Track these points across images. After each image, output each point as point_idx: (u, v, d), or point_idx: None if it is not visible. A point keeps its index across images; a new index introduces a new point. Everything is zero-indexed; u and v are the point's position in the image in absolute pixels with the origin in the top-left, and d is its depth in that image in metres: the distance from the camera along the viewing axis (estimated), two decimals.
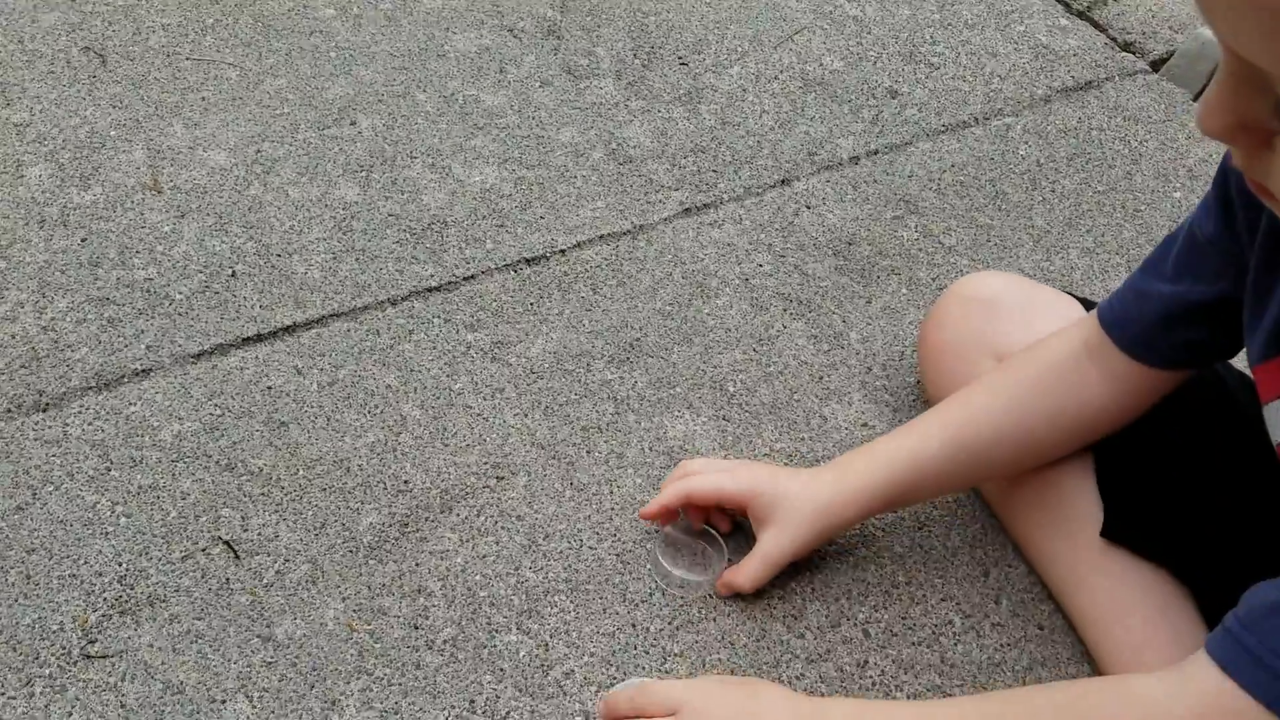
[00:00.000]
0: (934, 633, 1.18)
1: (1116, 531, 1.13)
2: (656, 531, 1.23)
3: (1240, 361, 1.06)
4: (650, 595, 1.17)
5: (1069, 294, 1.27)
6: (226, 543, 1.16)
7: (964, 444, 1.15)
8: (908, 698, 1.12)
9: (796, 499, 1.15)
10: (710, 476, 1.19)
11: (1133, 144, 1.81)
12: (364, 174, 1.59)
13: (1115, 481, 1.15)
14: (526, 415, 1.33)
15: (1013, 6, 2.08)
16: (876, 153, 1.75)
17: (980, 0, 2.09)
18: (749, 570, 1.15)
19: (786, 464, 1.31)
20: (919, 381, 1.41)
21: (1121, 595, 1.12)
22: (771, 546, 1.15)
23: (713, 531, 1.22)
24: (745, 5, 2.00)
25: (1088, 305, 1.23)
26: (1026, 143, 1.79)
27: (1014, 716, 0.91)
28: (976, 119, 1.83)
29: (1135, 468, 1.14)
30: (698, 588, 1.18)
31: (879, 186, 1.68)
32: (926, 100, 1.85)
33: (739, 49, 1.90)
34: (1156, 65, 1.99)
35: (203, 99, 1.67)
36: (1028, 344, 1.17)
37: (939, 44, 1.97)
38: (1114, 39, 2.04)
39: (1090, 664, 1.17)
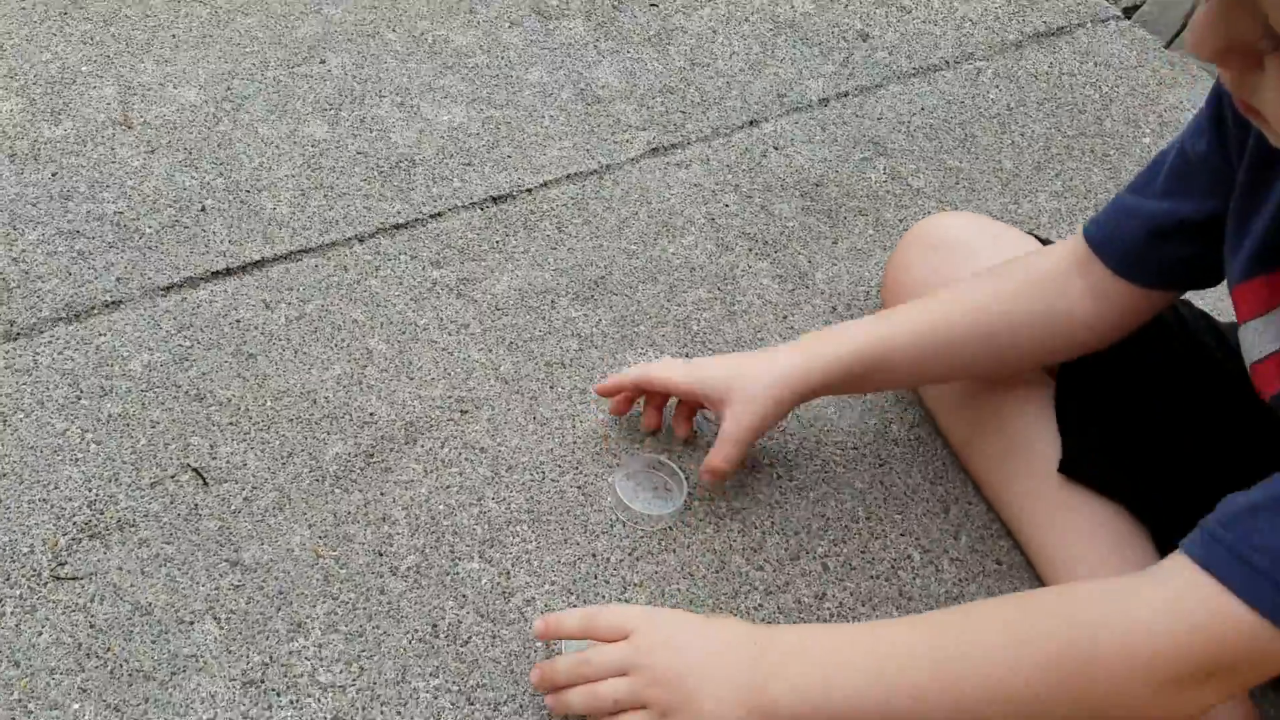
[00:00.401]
0: (892, 567, 1.22)
1: (1074, 468, 1.16)
2: (616, 466, 1.26)
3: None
4: (611, 527, 1.21)
5: (1033, 235, 1.30)
6: (195, 470, 1.20)
7: (934, 337, 1.16)
8: None
9: (752, 373, 1.17)
10: (665, 364, 1.23)
11: (1103, 89, 1.84)
12: (333, 112, 1.62)
13: (1074, 418, 1.18)
14: (491, 350, 1.36)
15: None
16: (846, 95, 1.77)
17: None
18: (717, 452, 1.17)
19: None
20: None
21: (1079, 532, 1.16)
22: (731, 425, 1.16)
23: (671, 465, 1.26)
24: None
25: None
26: (997, 86, 1.82)
27: (959, 630, 0.91)
28: (947, 62, 1.86)
29: (1094, 404, 1.17)
30: (658, 521, 1.22)
31: (848, 129, 1.71)
32: (897, 43, 1.88)
33: None
34: (1129, 12, 2.02)
35: (173, 36, 1.69)
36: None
37: None
38: None
39: None
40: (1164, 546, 1.16)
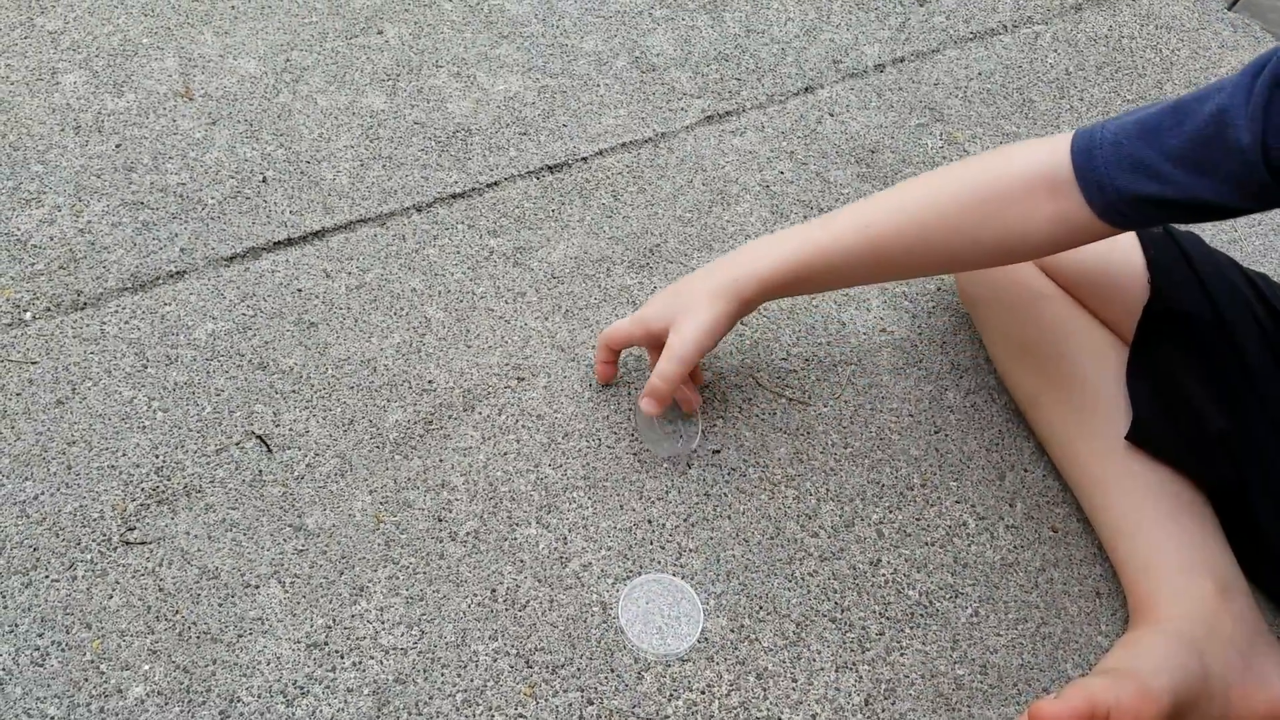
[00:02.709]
0: (947, 533, 1.22)
1: (1141, 436, 1.16)
2: (632, 407, 1.28)
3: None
4: (666, 493, 1.22)
5: None
6: (259, 437, 1.22)
7: (880, 247, 1.13)
8: (919, 595, 1.17)
9: (691, 292, 1.19)
10: (616, 323, 1.26)
11: (1164, 52, 1.82)
12: (390, 82, 1.63)
13: (1145, 385, 1.17)
14: (547, 319, 1.37)
15: None
16: (902, 60, 1.76)
17: None
18: (658, 371, 1.17)
19: (803, 367, 1.35)
20: (938, 288, 1.45)
21: (1140, 498, 1.16)
22: (675, 341, 1.16)
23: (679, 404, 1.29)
24: None
25: None
26: (1055, 50, 1.80)
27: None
28: (1005, 26, 1.84)
29: (1166, 372, 1.16)
30: (677, 459, 1.25)
31: (904, 94, 1.70)
32: (954, 7, 1.86)
33: None
34: None
35: (232, 7, 1.70)
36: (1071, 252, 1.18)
37: None
38: None
39: (1105, 564, 1.21)
40: (1224, 514, 1.16)
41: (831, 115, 1.66)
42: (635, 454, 1.25)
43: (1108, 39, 1.83)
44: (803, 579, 1.16)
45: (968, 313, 1.40)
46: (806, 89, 1.70)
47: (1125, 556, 1.16)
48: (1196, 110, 0.94)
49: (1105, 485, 1.19)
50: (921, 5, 1.85)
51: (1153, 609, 1.11)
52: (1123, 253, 1.20)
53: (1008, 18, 1.85)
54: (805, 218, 1.51)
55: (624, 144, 1.59)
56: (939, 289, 1.44)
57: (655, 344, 1.21)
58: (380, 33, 1.70)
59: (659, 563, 1.16)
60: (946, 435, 1.31)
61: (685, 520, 1.20)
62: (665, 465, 1.24)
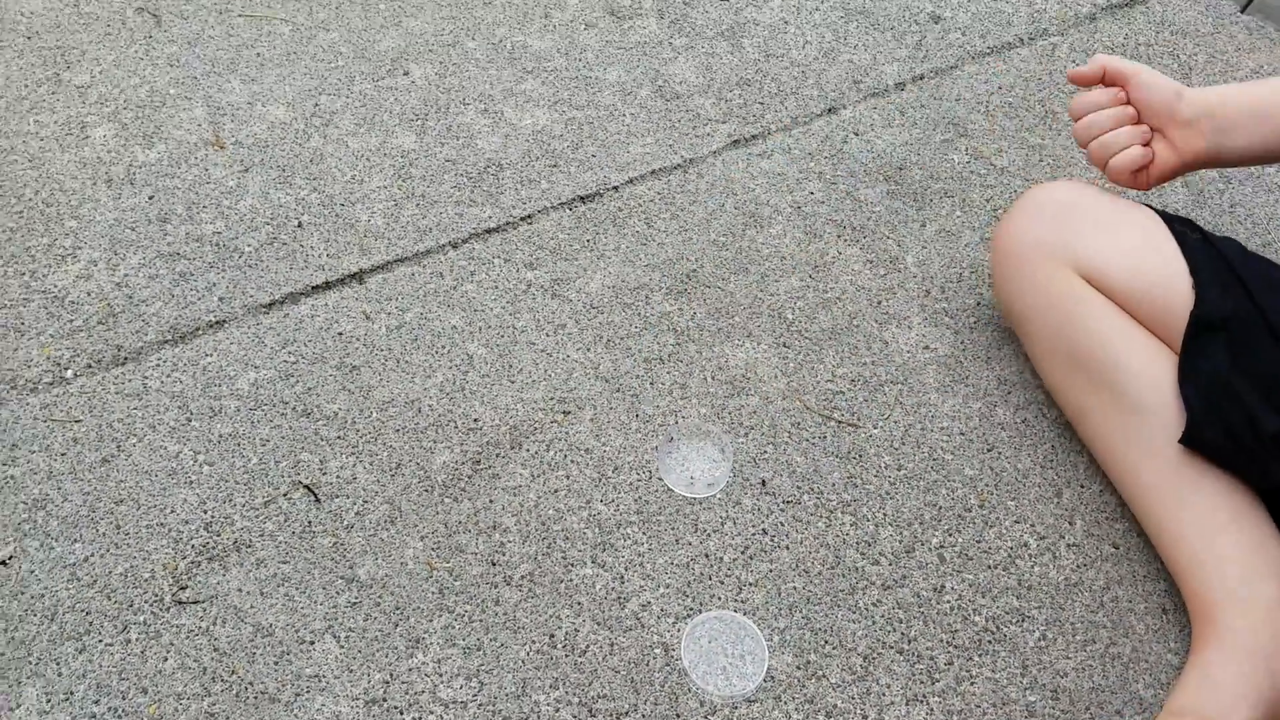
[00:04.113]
0: (1009, 555, 1.13)
1: (1196, 440, 1.07)
2: (655, 448, 1.20)
3: None
4: (722, 525, 1.13)
5: (1145, 205, 1.21)
6: (307, 487, 1.13)
7: None
8: (985, 621, 1.08)
9: (1191, 97, 1.15)
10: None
11: (1182, 58, 1.74)
12: (419, 122, 1.55)
13: (1197, 390, 1.09)
14: (589, 349, 1.29)
15: None
16: (922, 78, 1.68)
17: None
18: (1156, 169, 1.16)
19: (850, 388, 1.27)
20: (978, 303, 1.36)
21: (1196, 504, 1.08)
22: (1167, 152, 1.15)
23: (718, 432, 1.21)
24: None
25: (1166, 216, 1.17)
26: (1074, 61, 1.72)
27: None
28: (1021, 39, 1.76)
29: (1218, 375, 1.08)
30: (707, 489, 1.17)
31: (926, 111, 1.62)
32: (969, 24, 1.78)
33: None
34: None
35: (258, 55, 1.63)
36: (1110, 257, 1.14)
37: None
38: None
39: (1167, 579, 1.12)
40: None
41: (856, 134, 1.58)
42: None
43: (1124, 47, 1.74)
44: (867, 609, 1.08)
45: (1011, 329, 1.31)
46: (829, 110, 1.62)
47: (1186, 564, 1.08)
48: None
49: (1161, 493, 1.10)
50: (936, 23, 1.77)
51: (1217, 619, 1.03)
52: (1165, 260, 1.13)
53: (1023, 31, 1.77)
54: (839, 237, 1.43)
55: (653, 171, 1.51)
56: (979, 304, 1.36)
57: (1140, 101, 1.17)
58: (406, 74, 1.62)
59: (719, 599, 1.08)
60: (1000, 453, 1.22)
61: (743, 553, 1.11)
62: (719, 497, 1.15)
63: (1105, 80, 1.19)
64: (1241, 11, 1.83)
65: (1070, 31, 1.77)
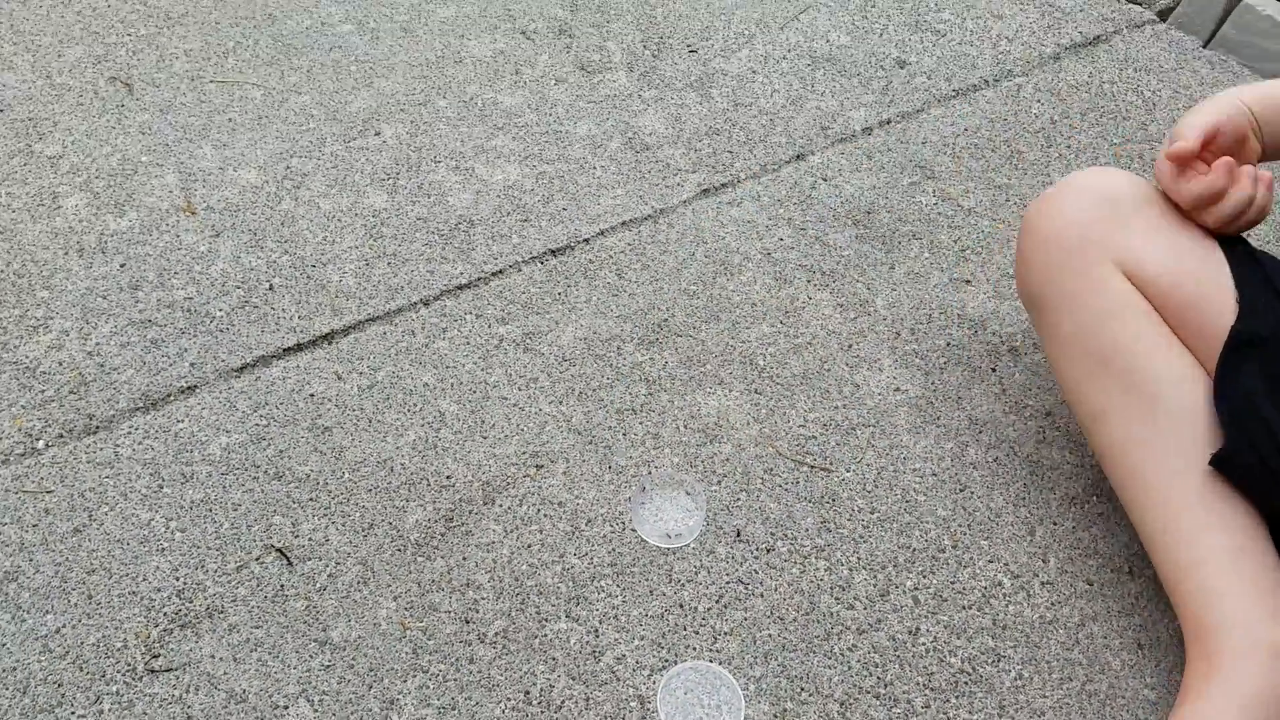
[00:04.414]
0: (984, 595, 1.12)
1: (1226, 461, 1.03)
2: (629, 498, 1.19)
3: None
4: (696, 574, 1.12)
5: None
6: (279, 550, 1.12)
7: None
8: (961, 662, 1.07)
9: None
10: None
11: (1145, 94, 1.74)
12: (391, 181, 1.55)
13: (1229, 409, 1.04)
14: (561, 402, 1.28)
15: None
16: (889, 122, 1.69)
17: None
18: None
19: (822, 433, 1.26)
20: (948, 344, 1.36)
21: (1214, 529, 1.03)
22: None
23: (691, 481, 1.20)
24: None
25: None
26: (1039, 101, 1.72)
27: None
28: (986, 81, 1.76)
29: (1249, 396, 1.03)
30: (678, 539, 1.16)
31: (893, 155, 1.62)
32: (935, 67, 1.79)
33: (746, 32, 1.85)
34: (1164, 14, 1.92)
35: (229, 120, 1.63)
36: (1156, 258, 1.09)
37: (944, 10, 1.91)
38: None
39: (1144, 613, 1.11)
40: None
41: (825, 180, 1.58)
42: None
43: (1089, 85, 1.75)
44: (842, 654, 1.07)
45: (1029, 315, 1.22)
46: (798, 156, 1.62)
47: (1192, 589, 1.04)
48: None
49: (1176, 510, 1.05)
50: (902, 68, 1.78)
51: (1224, 657, 0.99)
52: (1211, 269, 1.08)
53: (988, 73, 1.78)
54: (809, 282, 1.43)
55: (624, 222, 1.51)
56: (948, 345, 1.36)
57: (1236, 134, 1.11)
58: (378, 134, 1.63)
59: (694, 649, 1.06)
60: (972, 493, 1.21)
61: (718, 601, 1.10)
62: (693, 546, 1.15)
63: (1204, 148, 1.10)
64: (1204, 47, 1.84)
65: (1034, 72, 1.78)
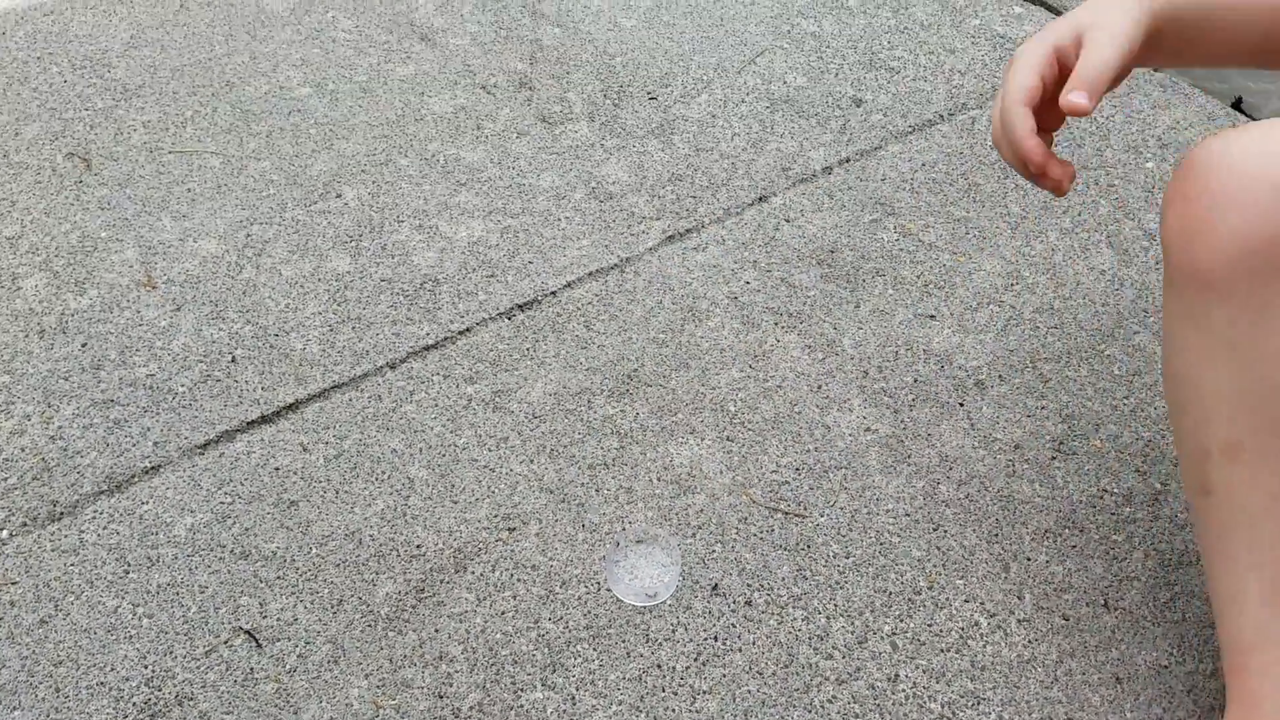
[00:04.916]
0: (961, 636, 1.10)
1: None
2: (603, 559, 1.16)
3: None
4: (673, 632, 1.10)
5: None
6: (248, 632, 1.09)
7: None
8: (941, 707, 1.04)
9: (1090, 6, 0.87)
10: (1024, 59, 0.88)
11: (1099, 120, 1.73)
12: (354, 243, 1.52)
13: None
14: (532, 461, 1.25)
15: (966, 2, 2.00)
16: (848, 160, 1.67)
17: (933, 0, 2.01)
18: (1089, 63, 0.84)
19: (795, 477, 1.24)
20: (915, 380, 1.34)
21: None
22: (1094, 54, 0.84)
23: (665, 536, 1.18)
24: (707, 36, 1.93)
25: None
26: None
27: None
28: (942, 116, 1.75)
29: None
30: (654, 598, 1.13)
31: (854, 193, 1.61)
32: (891, 104, 1.77)
33: (704, 78, 1.83)
34: None
35: (189, 190, 1.60)
36: None
37: (897, 48, 1.90)
38: None
39: (1120, 647, 1.09)
40: None
41: (788, 221, 1.56)
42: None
43: None
44: (822, 706, 1.04)
45: (1167, 307, 0.93)
46: (760, 199, 1.60)
47: (1263, 665, 0.91)
48: None
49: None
50: (858, 106, 1.77)
51: None
52: None
53: (942, 107, 1.77)
54: (776, 324, 1.40)
55: (591, 273, 1.48)
56: (916, 381, 1.34)
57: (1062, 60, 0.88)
58: (339, 196, 1.60)
59: (673, 710, 1.03)
60: (946, 531, 1.19)
61: (696, 659, 1.07)
62: (669, 602, 1.12)
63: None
64: (1154, 70, 1.83)
65: (987, 104, 1.77)
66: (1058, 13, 1.96)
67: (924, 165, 1.65)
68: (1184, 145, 1.20)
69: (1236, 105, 1.73)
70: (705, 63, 1.87)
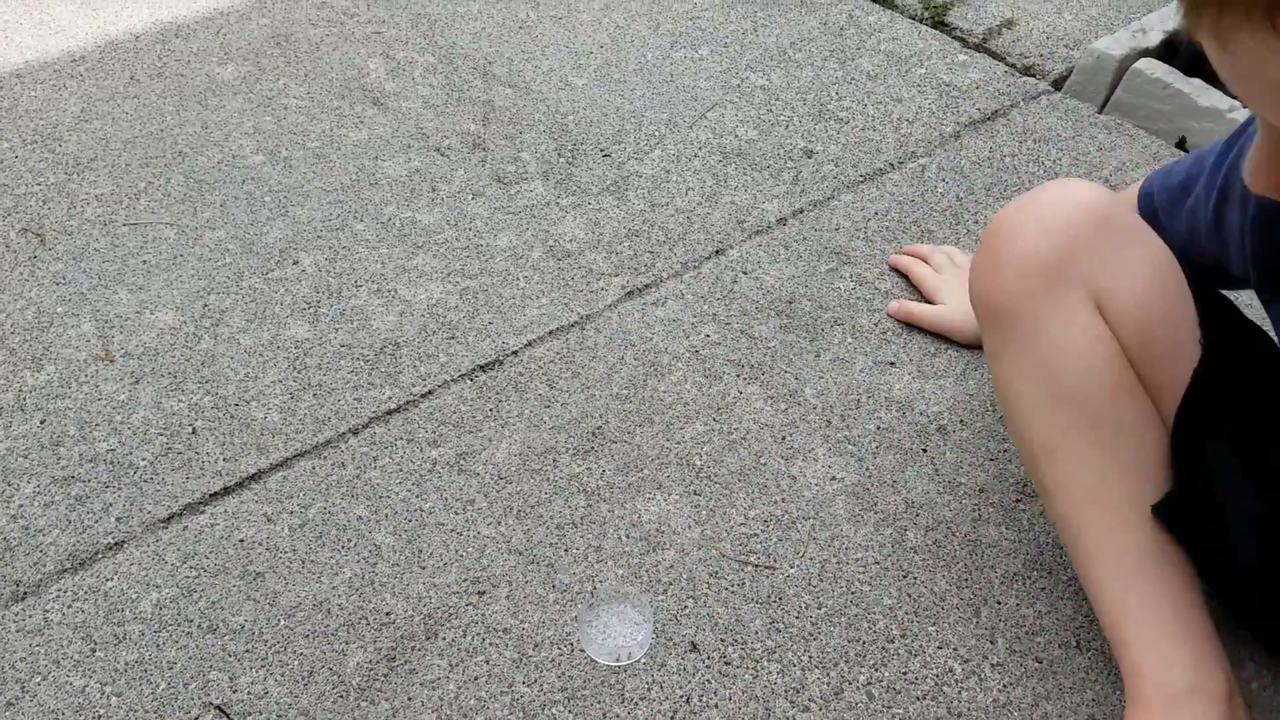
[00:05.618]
0: (936, 684, 1.10)
1: (1169, 513, 1.00)
2: (575, 620, 1.15)
3: None
4: (649, 690, 1.09)
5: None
6: (218, 708, 1.07)
7: None
8: None
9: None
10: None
11: (1046, 164, 1.76)
12: (312, 310, 1.52)
13: (1186, 457, 1.02)
14: (500, 523, 1.25)
15: (911, 51, 2.04)
16: (802, 211, 1.68)
17: (878, 51, 2.04)
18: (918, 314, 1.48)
19: (764, 529, 1.24)
20: (878, 427, 1.35)
21: (1155, 578, 1.02)
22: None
23: (637, 594, 1.17)
24: (657, 92, 1.95)
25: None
26: (944, 180, 1.73)
27: None
28: (891, 164, 1.77)
29: (1208, 445, 1.00)
30: (629, 657, 1.12)
31: (809, 243, 1.62)
32: (841, 155, 1.80)
33: (656, 134, 1.85)
34: (1058, 84, 1.95)
35: (144, 262, 1.59)
36: (1127, 294, 1.02)
37: (845, 99, 1.92)
38: (1013, 65, 2.00)
39: (1095, 688, 1.09)
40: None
41: (745, 273, 1.57)
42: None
43: (990, 160, 1.77)
44: None
45: (984, 347, 1.15)
46: (717, 251, 1.61)
47: (1129, 637, 1.02)
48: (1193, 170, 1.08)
49: (1119, 559, 1.03)
50: (809, 157, 1.79)
51: (1163, 705, 0.99)
52: (1183, 309, 1.04)
53: (892, 156, 1.79)
54: (739, 376, 1.41)
55: (551, 332, 1.49)
56: (879, 428, 1.35)
57: None
58: (296, 263, 1.60)
59: None
60: (915, 578, 1.19)
61: (672, 718, 1.07)
62: (644, 660, 1.11)
63: None
64: (1099, 112, 1.87)
65: (937, 151, 1.79)
66: (1000, 58, 2.00)
67: (876, 214, 1.67)
68: (1127, 184, 1.23)
69: (1180, 145, 1.77)
70: (657, 119, 1.88)
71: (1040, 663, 1.12)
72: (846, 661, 1.12)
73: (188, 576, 1.19)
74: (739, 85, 1.96)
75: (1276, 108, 0.61)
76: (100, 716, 1.07)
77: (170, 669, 1.11)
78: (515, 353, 1.46)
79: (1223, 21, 0.57)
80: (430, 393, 1.40)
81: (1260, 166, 0.66)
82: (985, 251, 1.09)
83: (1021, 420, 1.08)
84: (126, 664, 1.11)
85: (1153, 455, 1.03)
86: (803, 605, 1.17)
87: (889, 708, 1.08)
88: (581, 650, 1.12)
